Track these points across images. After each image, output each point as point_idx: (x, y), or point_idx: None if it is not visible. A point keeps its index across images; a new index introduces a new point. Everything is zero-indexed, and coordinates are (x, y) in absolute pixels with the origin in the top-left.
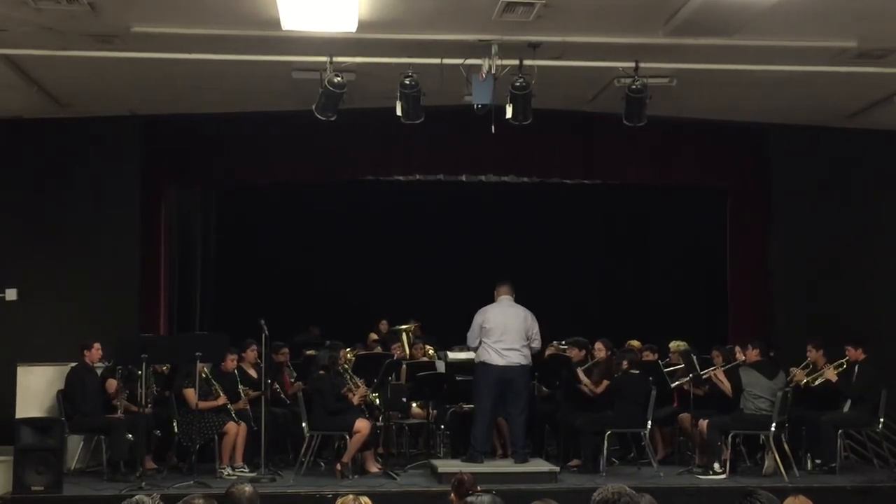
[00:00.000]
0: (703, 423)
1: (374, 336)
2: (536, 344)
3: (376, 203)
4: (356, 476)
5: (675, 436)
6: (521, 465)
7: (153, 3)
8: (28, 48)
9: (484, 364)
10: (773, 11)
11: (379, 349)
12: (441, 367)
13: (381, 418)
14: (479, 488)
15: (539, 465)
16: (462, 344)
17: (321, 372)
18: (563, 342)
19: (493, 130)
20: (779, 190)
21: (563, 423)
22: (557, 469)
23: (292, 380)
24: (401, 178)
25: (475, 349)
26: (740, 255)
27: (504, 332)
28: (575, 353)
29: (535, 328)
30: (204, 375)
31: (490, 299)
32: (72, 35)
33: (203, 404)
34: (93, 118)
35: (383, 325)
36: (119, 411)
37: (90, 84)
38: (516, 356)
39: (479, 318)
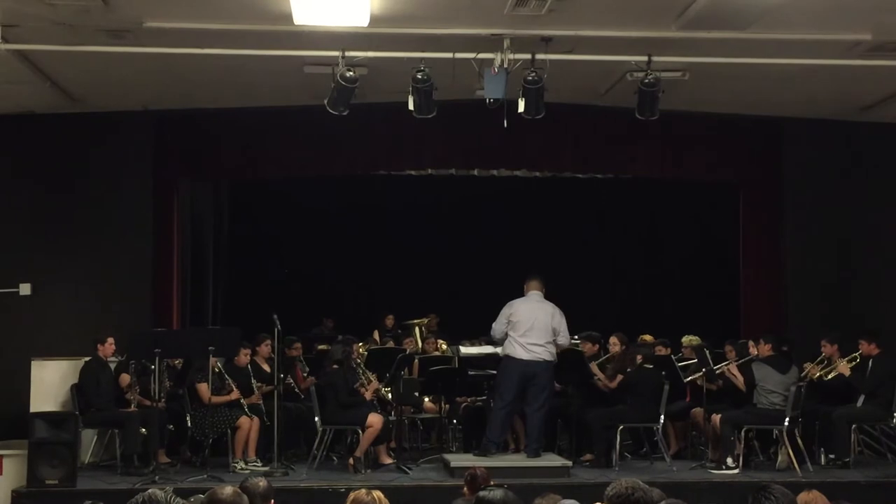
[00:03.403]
0: (716, 418)
1: (376, 336)
2: (564, 340)
3: (388, 197)
4: (369, 470)
5: (687, 430)
6: (534, 460)
7: None
8: (41, 43)
9: (509, 357)
10: (786, 4)
11: (391, 343)
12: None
13: (393, 413)
14: (492, 482)
15: (552, 460)
16: (473, 337)
17: (334, 366)
18: (576, 337)
19: (505, 125)
20: (792, 183)
21: (575, 418)
22: (570, 464)
23: (305, 374)
24: (413, 172)
25: (498, 340)
26: (753, 248)
27: (531, 326)
28: (588, 348)
29: (563, 324)
30: (217, 370)
31: (502, 293)
32: (84, 30)
33: (216, 399)
34: (105, 113)
35: (389, 321)
36: (132, 405)
37: (103, 79)
38: (541, 352)
39: (507, 310)
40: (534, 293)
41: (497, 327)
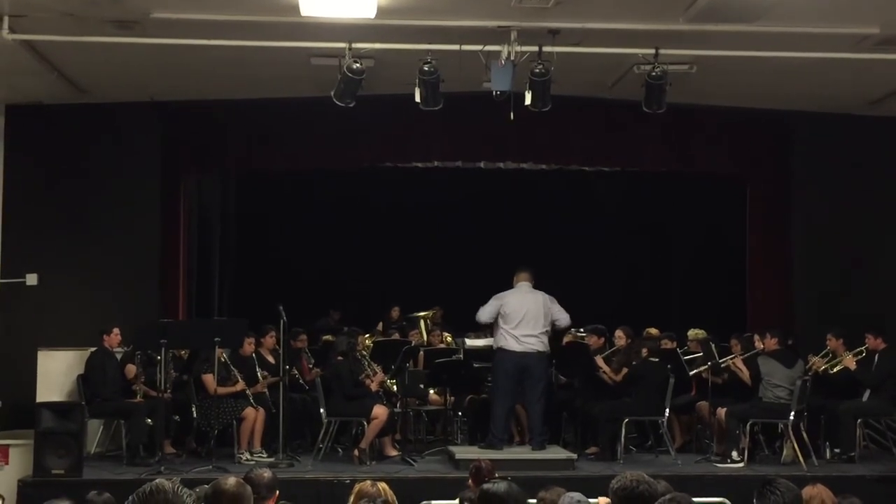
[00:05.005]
0: (722, 412)
1: (380, 328)
2: (564, 322)
3: (395, 190)
4: (374, 462)
5: (693, 424)
6: (539, 453)
7: None
8: (48, 34)
9: (502, 350)
10: None
11: (397, 335)
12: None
13: (398, 404)
14: (496, 475)
15: (557, 453)
16: (478, 330)
17: (339, 358)
18: (582, 330)
19: (512, 117)
20: (799, 177)
21: (580, 411)
22: (575, 456)
23: (310, 366)
24: (419, 164)
25: (484, 323)
26: (760, 242)
27: (523, 318)
28: (593, 341)
29: (557, 307)
30: (222, 361)
31: (507, 286)
32: (92, 21)
33: (221, 390)
34: (113, 104)
35: (395, 312)
36: (138, 396)
37: (110, 70)
38: (534, 342)
39: (496, 301)
40: (523, 284)
41: (484, 311)
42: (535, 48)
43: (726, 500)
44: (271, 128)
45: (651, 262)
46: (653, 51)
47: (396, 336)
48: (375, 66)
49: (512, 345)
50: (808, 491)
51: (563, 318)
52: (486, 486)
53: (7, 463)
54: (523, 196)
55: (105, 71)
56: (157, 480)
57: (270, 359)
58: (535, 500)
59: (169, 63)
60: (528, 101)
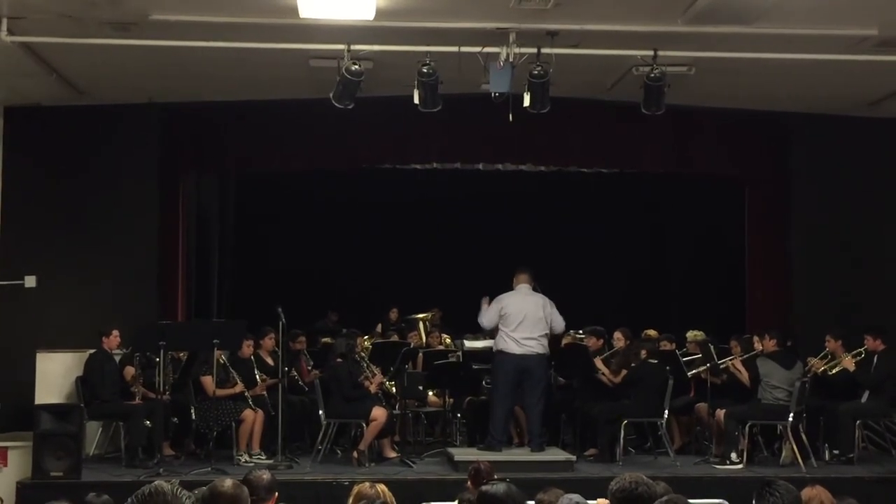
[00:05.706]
0: (721, 413)
1: (379, 330)
2: (559, 328)
3: (394, 191)
4: (373, 464)
5: (692, 425)
6: (538, 454)
7: None
8: (47, 35)
9: (501, 353)
10: None
11: (396, 337)
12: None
13: (397, 406)
14: (495, 476)
15: (555, 454)
16: (476, 331)
17: (338, 360)
18: (581, 331)
19: (510, 119)
20: (798, 178)
21: (579, 413)
22: (574, 458)
23: (309, 367)
24: (418, 166)
25: (487, 329)
26: (759, 244)
27: (522, 320)
28: (592, 342)
29: (555, 313)
30: (221, 362)
31: (507, 288)
32: (90, 23)
33: (220, 391)
34: (111, 105)
35: (394, 314)
36: (137, 398)
37: (108, 71)
38: (534, 345)
39: (496, 304)
40: (523, 286)
41: (487, 316)
42: (534, 50)
43: (725, 502)
44: (270, 129)
45: (650, 264)
46: (651, 52)
47: (395, 337)
48: (374, 68)
49: (512, 347)
50: (807, 492)
51: (559, 324)
52: (484, 487)
53: (6, 465)
54: (522, 197)
55: (103, 72)
56: (155, 482)
57: (269, 360)
58: (533, 502)
59: (167, 64)
60: (526, 102)
